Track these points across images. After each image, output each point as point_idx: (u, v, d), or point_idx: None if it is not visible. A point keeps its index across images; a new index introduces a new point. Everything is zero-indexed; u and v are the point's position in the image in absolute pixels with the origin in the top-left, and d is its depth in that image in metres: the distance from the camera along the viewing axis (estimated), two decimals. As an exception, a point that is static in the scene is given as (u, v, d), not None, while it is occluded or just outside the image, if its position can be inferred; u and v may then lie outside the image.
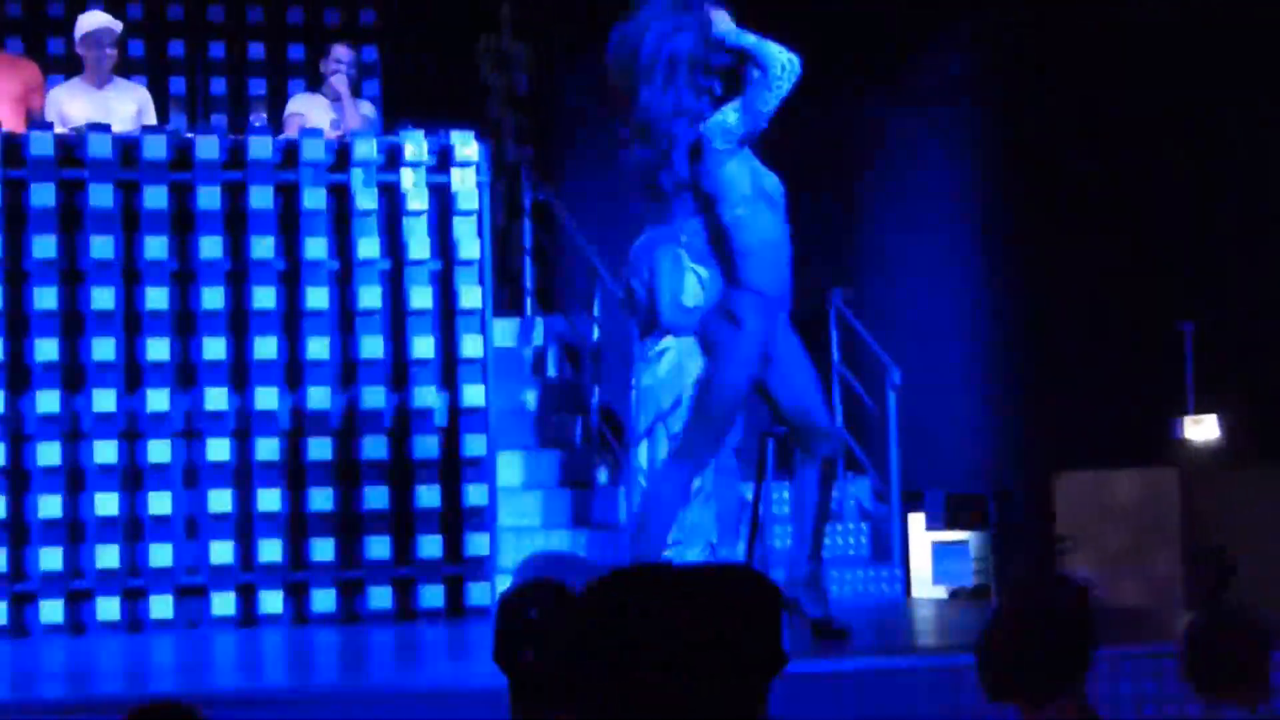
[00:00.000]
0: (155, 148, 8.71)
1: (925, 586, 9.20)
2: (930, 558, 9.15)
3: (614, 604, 2.25)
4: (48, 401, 8.42)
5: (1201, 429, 8.27)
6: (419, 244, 8.98)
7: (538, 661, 3.44)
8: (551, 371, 10.88)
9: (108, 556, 8.39)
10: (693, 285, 7.49)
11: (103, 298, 8.52)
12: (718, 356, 6.96)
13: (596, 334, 10.37)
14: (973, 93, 10.09)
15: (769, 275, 6.94)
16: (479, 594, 8.71)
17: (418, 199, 9.01)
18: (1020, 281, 9.84)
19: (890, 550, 9.42)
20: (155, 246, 8.61)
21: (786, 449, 7.20)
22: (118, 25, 9.55)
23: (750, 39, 6.93)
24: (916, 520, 9.28)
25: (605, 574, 2.30)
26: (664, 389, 7.52)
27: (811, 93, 7.14)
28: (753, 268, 6.92)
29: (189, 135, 8.98)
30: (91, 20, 9.49)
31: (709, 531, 8.11)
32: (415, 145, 9.07)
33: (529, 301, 11.46)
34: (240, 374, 8.69)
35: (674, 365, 7.53)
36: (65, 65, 10.18)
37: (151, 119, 9.43)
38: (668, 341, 7.58)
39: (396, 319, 8.96)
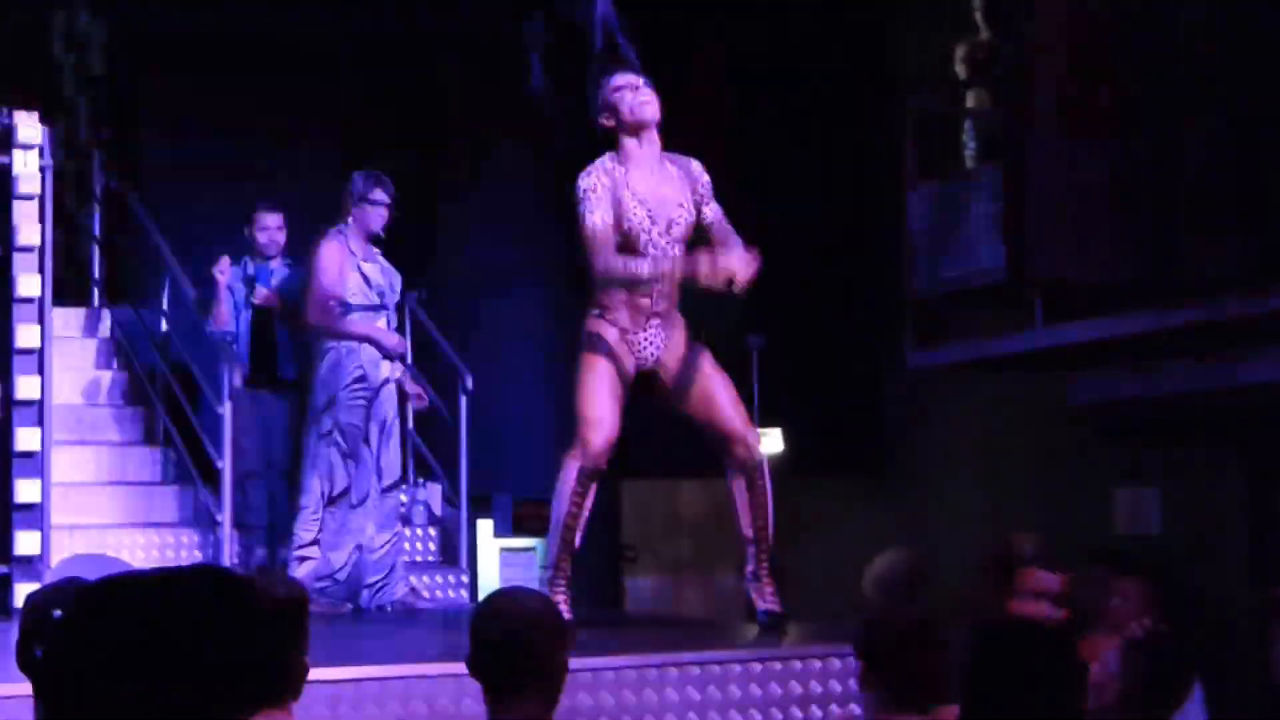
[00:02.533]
0: None
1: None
2: (498, 563, 9.15)
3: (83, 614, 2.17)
4: None
5: (766, 441, 8.47)
6: (-25, 227, 8.59)
7: (47, 663, 3.38)
8: (118, 364, 10.55)
9: None
10: None
11: None
12: None
13: (165, 326, 10.08)
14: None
15: None
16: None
17: (-25, 180, 8.61)
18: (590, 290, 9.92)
19: (458, 555, 9.40)
20: None
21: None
22: None
23: None
24: (485, 526, 9.28)
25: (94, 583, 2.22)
26: None
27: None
28: None
29: None
30: None
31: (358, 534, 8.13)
32: (-26, 123, 8.67)
33: (95, 291, 11.07)
34: None
35: None
36: None
37: None
38: None
39: (-51, 305, 8.55)
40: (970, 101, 9.00)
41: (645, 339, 6.89)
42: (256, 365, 9.39)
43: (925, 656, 4.17)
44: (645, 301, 6.84)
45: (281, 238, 9.54)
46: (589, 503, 6.82)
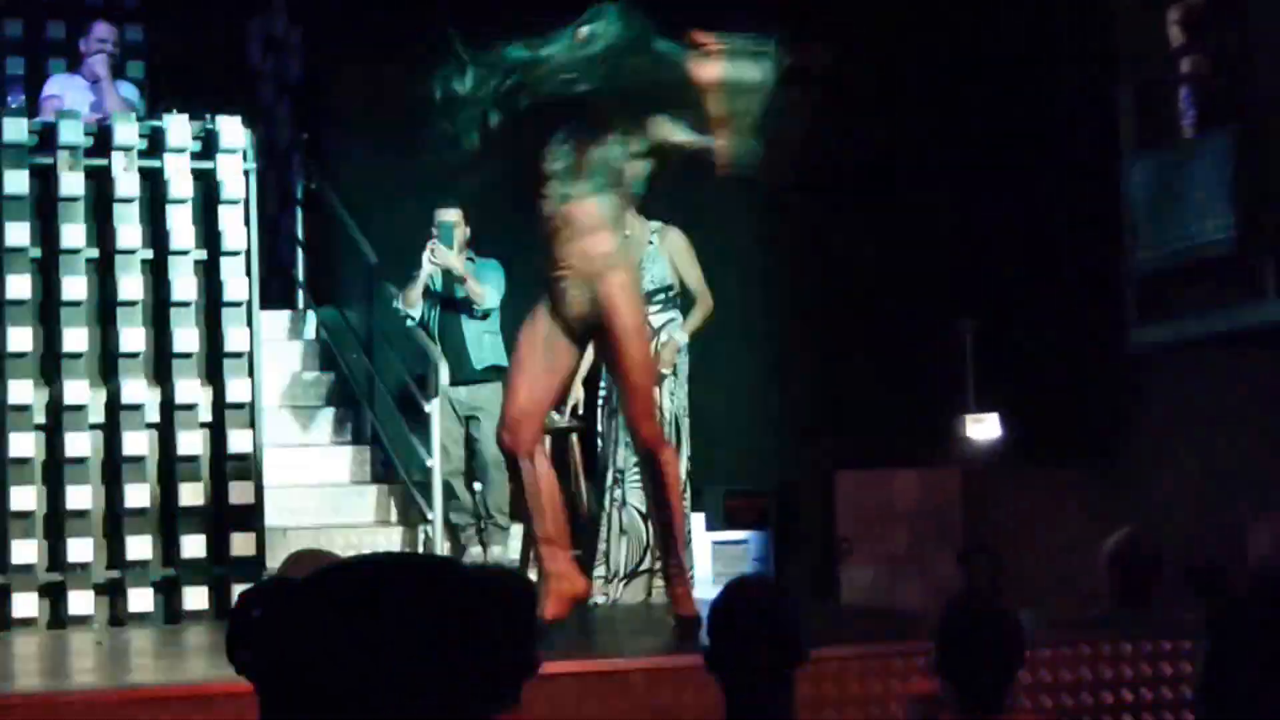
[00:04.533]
0: (-97, 128, 8.33)
1: (705, 587, 9.05)
2: (710, 557, 9.02)
3: (336, 597, 2.06)
4: None
5: (982, 428, 8.25)
6: (183, 232, 8.65)
7: (255, 663, 3.37)
8: (324, 365, 10.61)
9: None
10: None
11: None
12: None
13: (372, 327, 10.13)
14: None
15: None
16: (246, 596, 8.38)
17: (182, 186, 8.67)
18: (804, 277, 9.77)
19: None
20: (-97, 231, 8.22)
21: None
22: None
23: None
24: (696, 520, 9.15)
25: (330, 566, 2.10)
26: None
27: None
28: None
29: (-60, 117, 8.57)
30: None
31: None
32: (180, 130, 8.73)
33: (300, 294, 11.14)
34: (-11, 365, 8.31)
35: None
36: None
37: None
38: None
39: (159, 309, 8.61)
40: (1186, 67, 8.69)
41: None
42: (455, 361, 9.40)
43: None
44: None
45: (459, 235, 9.53)
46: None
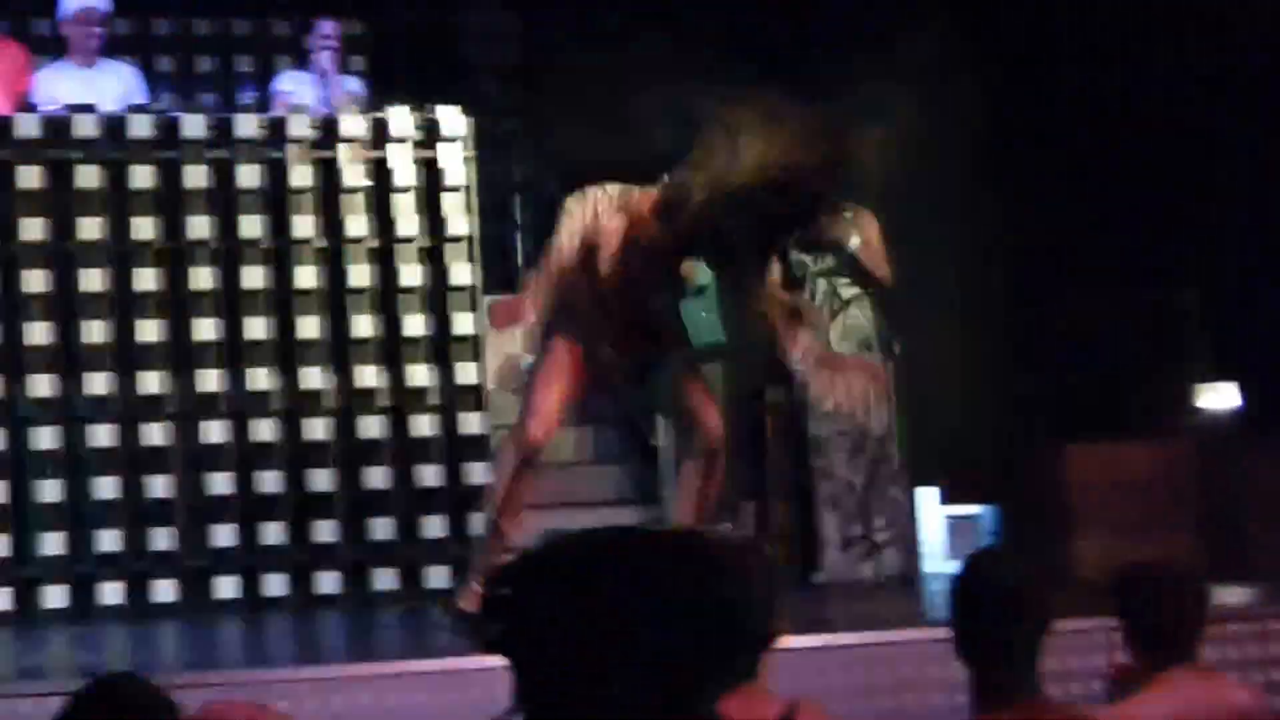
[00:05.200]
0: (141, 127, 8.59)
1: (938, 561, 9.00)
2: (944, 531, 8.98)
3: (584, 567, 2.12)
4: (42, 386, 8.28)
5: (1218, 397, 8.11)
6: (408, 220, 8.83)
7: (506, 638, 3.47)
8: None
9: (109, 540, 8.25)
10: None
11: (92, 279, 8.38)
12: None
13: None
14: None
15: None
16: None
17: (405, 175, 8.86)
18: (1026, 251, 9.67)
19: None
20: (143, 226, 8.49)
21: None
22: (104, 4, 9.40)
23: None
24: (927, 494, 9.11)
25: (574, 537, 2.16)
26: None
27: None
28: None
29: (174, 114, 8.84)
30: (77, 0, 9.34)
31: None
32: (402, 121, 8.92)
33: (521, 278, 11.27)
34: (231, 355, 8.55)
35: None
36: (52, 46, 10.00)
37: (139, 98, 9.30)
38: None
39: (386, 297, 8.80)
40: None
41: None
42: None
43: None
44: None
45: None
46: None
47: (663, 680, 2.04)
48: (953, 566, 9.13)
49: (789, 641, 5.25)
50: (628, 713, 2.02)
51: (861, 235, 8.76)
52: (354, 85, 9.89)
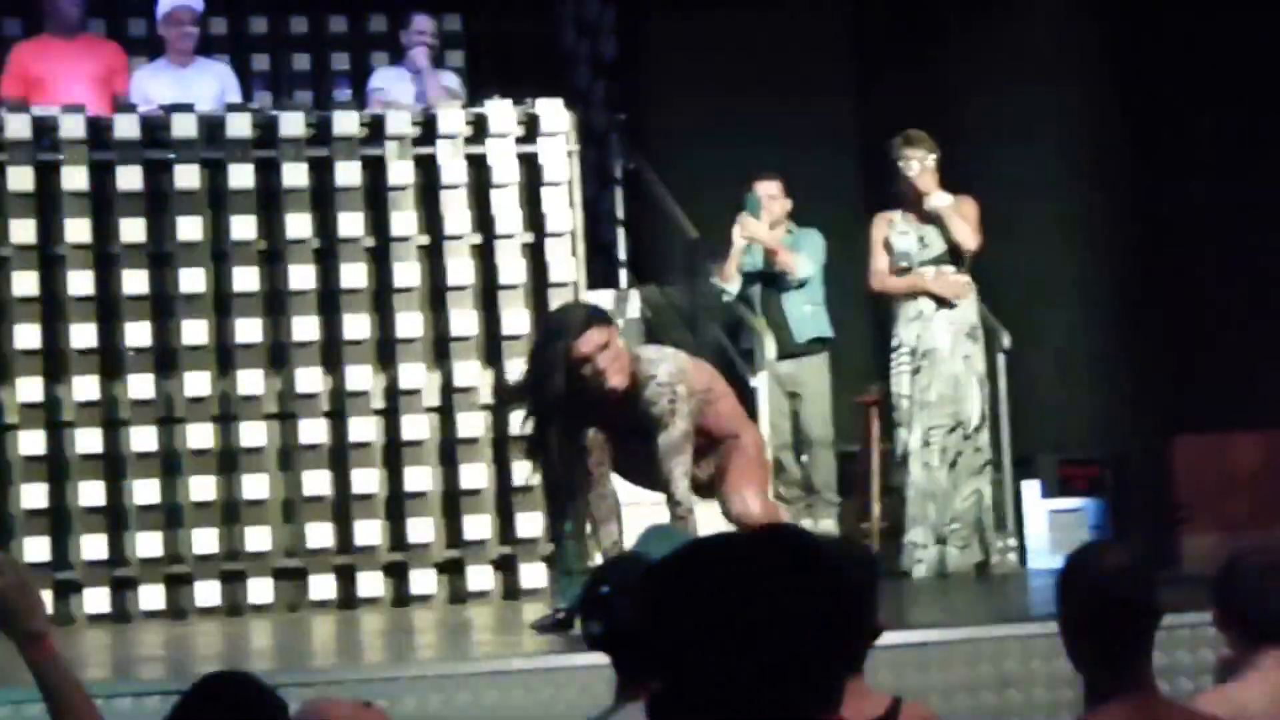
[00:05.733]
0: (239, 126, 8.61)
1: (1042, 556, 8.87)
2: (1047, 525, 8.86)
3: (697, 570, 2.11)
4: (140, 386, 8.33)
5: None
6: (508, 216, 8.79)
7: (607, 634, 3.70)
8: (649, 344, 10.68)
9: (205, 541, 8.29)
10: None
11: (192, 279, 8.42)
12: None
13: (696, 303, 10.19)
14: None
15: None
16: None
17: (506, 171, 8.82)
18: (1133, 244, 9.55)
19: (1004, 518, 9.12)
20: (242, 226, 8.51)
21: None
22: (198, 4, 9.45)
23: None
24: (1030, 487, 8.99)
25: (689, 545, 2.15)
26: None
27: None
28: None
29: (272, 112, 8.85)
30: (172, 0, 9.39)
31: None
32: (501, 116, 8.87)
33: (622, 273, 11.25)
34: (331, 353, 8.55)
35: None
36: (148, 46, 10.08)
37: (235, 97, 9.32)
38: None
39: (488, 293, 8.77)
40: None
41: None
42: (778, 335, 9.39)
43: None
44: None
45: (776, 207, 9.51)
46: None
47: (773, 678, 2.04)
48: (1056, 561, 9.04)
49: (888, 638, 5.21)
50: (756, 711, 2.03)
51: (959, 210, 8.74)
52: (451, 81, 9.87)
